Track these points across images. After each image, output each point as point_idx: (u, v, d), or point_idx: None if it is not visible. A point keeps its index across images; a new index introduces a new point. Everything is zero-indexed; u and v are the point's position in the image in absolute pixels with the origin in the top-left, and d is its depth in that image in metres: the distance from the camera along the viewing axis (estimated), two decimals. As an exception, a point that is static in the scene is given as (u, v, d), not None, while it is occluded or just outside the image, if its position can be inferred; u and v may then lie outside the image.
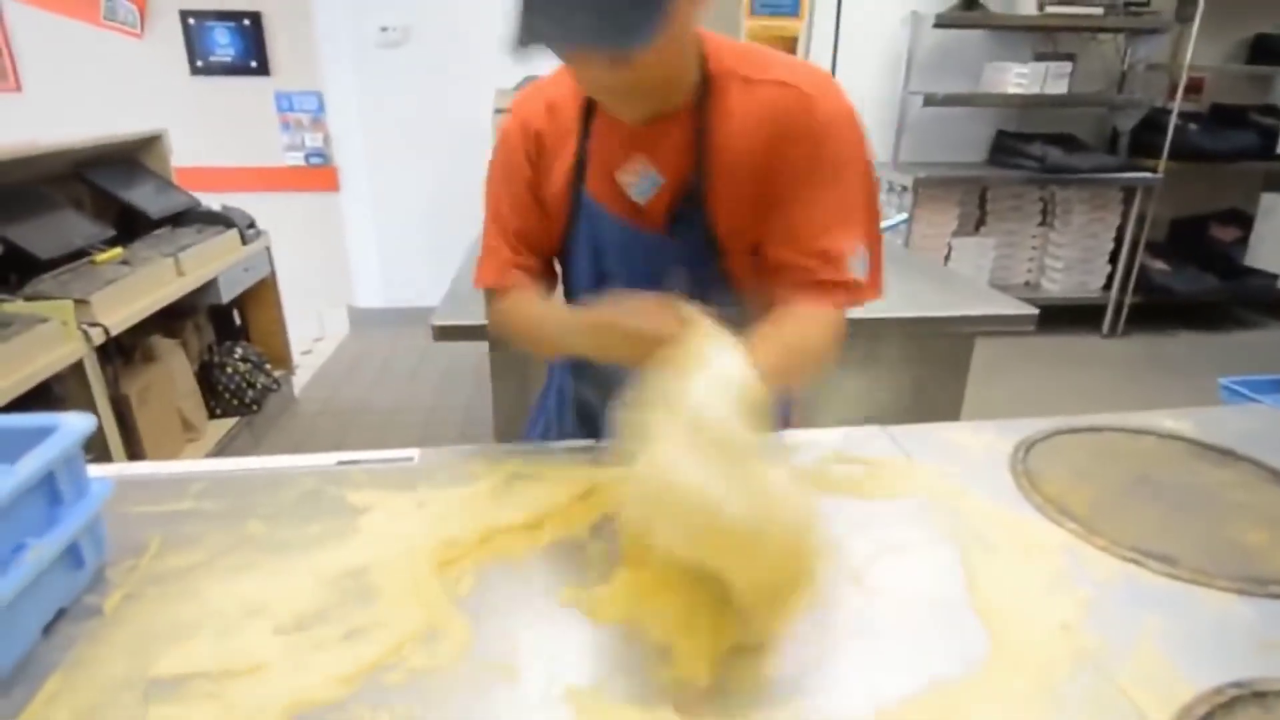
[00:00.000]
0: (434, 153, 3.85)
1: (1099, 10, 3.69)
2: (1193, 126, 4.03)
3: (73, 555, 0.70)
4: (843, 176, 0.79)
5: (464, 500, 0.86)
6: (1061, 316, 4.20)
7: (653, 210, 0.84)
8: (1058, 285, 4.16)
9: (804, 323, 0.78)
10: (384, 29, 3.52)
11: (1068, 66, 3.76)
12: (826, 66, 3.88)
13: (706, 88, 0.79)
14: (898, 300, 1.82)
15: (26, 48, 3.60)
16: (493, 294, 0.93)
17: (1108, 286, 4.17)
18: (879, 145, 4.13)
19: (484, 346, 1.66)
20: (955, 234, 4.02)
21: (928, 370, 1.78)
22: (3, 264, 1.97)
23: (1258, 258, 3.15)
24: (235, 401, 2.63)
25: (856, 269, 0.79)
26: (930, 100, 3.74)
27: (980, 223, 4.15)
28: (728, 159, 0.79)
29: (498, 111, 2.70)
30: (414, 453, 0.97)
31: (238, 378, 2.64)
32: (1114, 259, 4.15)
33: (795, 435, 1.01)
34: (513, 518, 0.81)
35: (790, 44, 1.39)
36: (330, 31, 3.59)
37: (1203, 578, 0.74)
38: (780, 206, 0.79)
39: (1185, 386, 3.53)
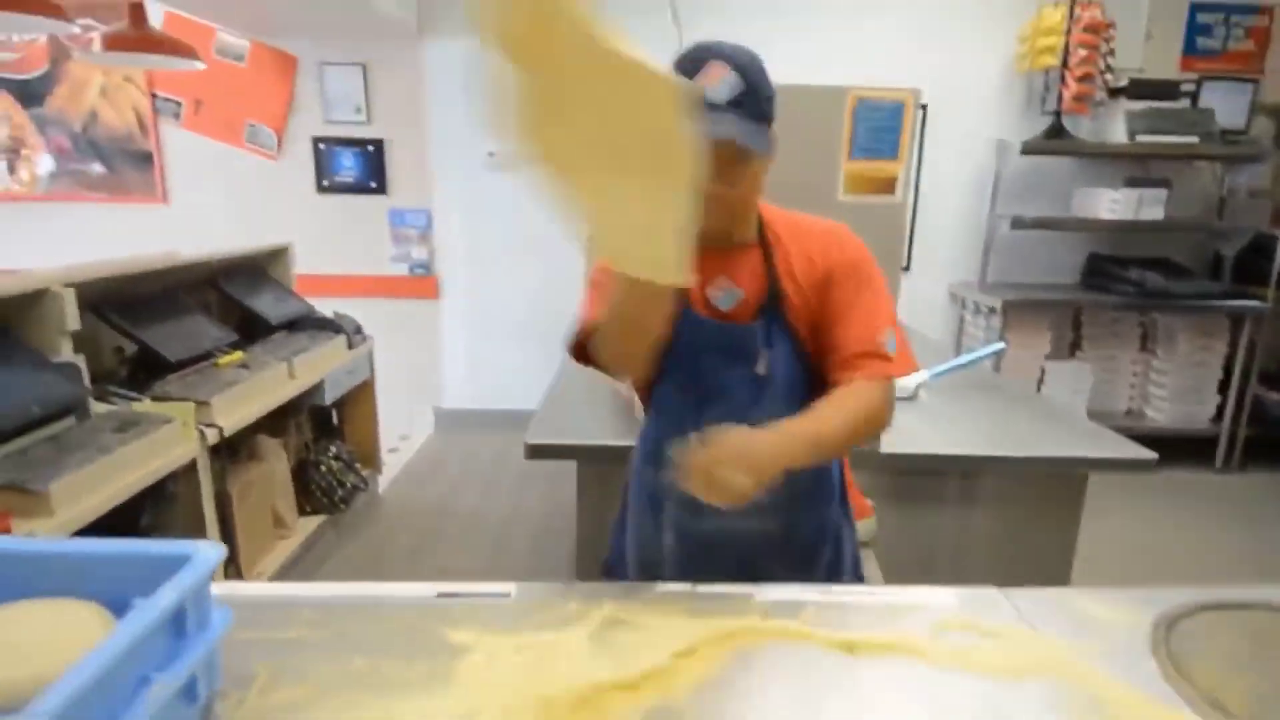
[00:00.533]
0: (529, 267, 4.06)
1: (1194, 139, 3.65)
2: (1304, 254, 3.84)
3: (189, 687, 0.72)
4: (868, 290, 1.06)
5: (561, 647, 0.84)
6: (1171, 448, 3.90)
7: (740, 313, 1.08)
8: (1164, 415, 3.93)
9: (854, 391, 1.01)
10: (491, 154, 3.81)
11: (1163, 193, 3.70)
12: (907, 191, 3.95)
13: (763, 233, 1.08)
14: (991, 433, 1.75)
15: (176, 166, 4.05)
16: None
17: (1218, 418, 3.91)
18: (965, 267, 4.11)
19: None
20: (1049, 358, 3.89)
21: (1035, 510, 1.68)
22: (136, 364, 2.15)
23: (1395, 396, 2.90)
24: (326, 500, 2.72)
25: (887, 345, 1.03)
26: (1018, 223, 3.72)
27: (1075, 347, 4.01)
28: (792, 280, 1.06)
29: (591, 231, 2.84)
30: (511, 588, 0.97)
31: (330, 476, 2.73)
32: (1224, 388, 3.90)
33: (903, 594, 0.96)
34: (612, 674, 0.79)
35: (889, 183, 1.42)
36: (442, 156, 3.91)
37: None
38: (839, 322, 1.05)
39: (1317, 531, 3.21)
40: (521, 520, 3.13)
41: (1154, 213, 3.68)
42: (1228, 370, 3.90)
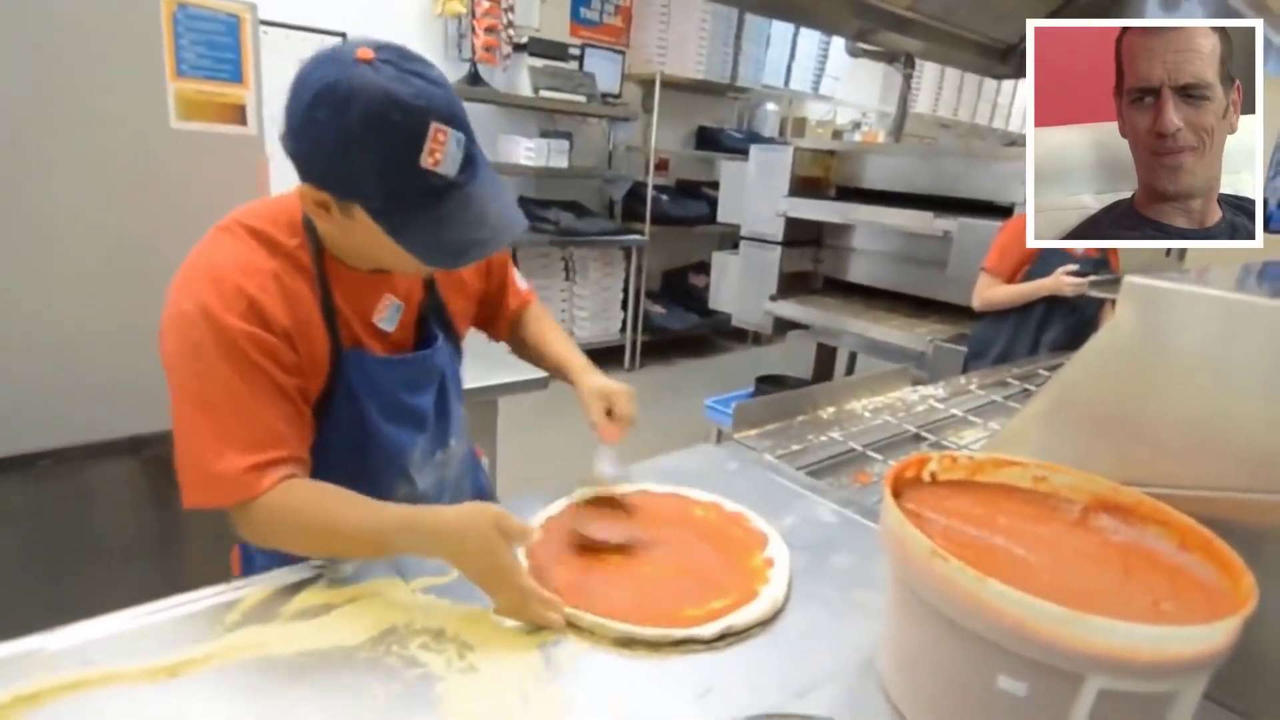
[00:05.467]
0: None
1: (583, 98, 4.31)
2: (664, 197, 4.98)
3: None
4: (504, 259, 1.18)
5: None
6: (593, 357, 4.74)
7: (402, 332, 0.99)
8: (586, 331, 4.71)
9: (541, 315, 1.25)
10: None
11: (565, 144, 4.30)
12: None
13: None
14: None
15: None
16: (233, 507, 0.81)
17: (624, 329, 4.87)
18: (410, 208, 4.15)
19: None
20: (493, 292, 4.25)
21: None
22: None
23: (718, 301, 4.01)
24: None
25: (523, 284, 1.23)
26: (452, 167, 3.89)
27: (515, 280, 4.47)
28: (452, 278, 1.05)
29: None
30: None
31: None
32: (625, 306, 4.87)
33: (258, 583, 0.86)
34: None
35: (236, 111, 1.24)
36: None
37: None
38: (503, 289, 1.18)
39: (686, 406, 4.29)
40: None
41: (560, 161, 4.26)
42: (626, 291, 4.86)
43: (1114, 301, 0.81)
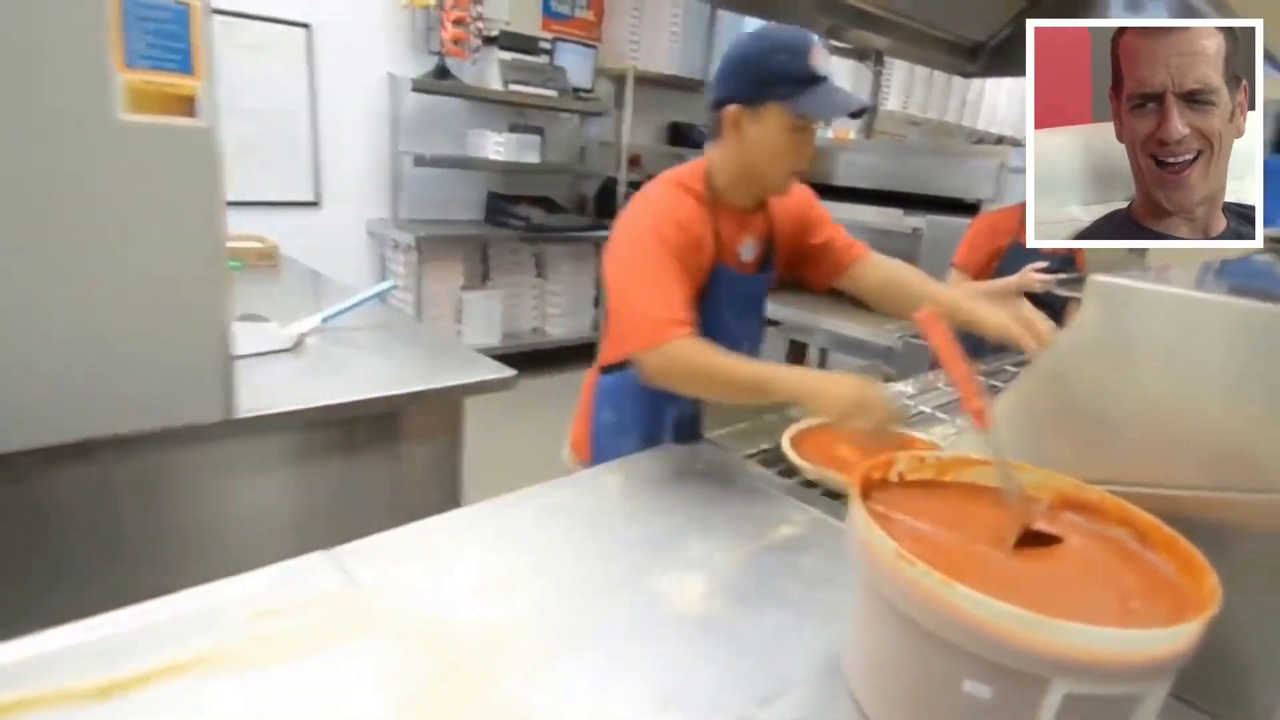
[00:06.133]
0: None
1: (554, 92, 4.26)
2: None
3: None
4: (823, 211, 1.49)
5: None
6: (566, 355, 4.73)
7: (752, 262, 1.38)
8: (558, 328, 4.67)
9: (884, 259, 1.54)
10: None
11: (537, 139, 4.25)
12: (304, 122, 3.70)
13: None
14: (372, 375, 1.73)
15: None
16: (656, 347, 1.13)
17: (596, 327, 4.84)
18: (378, 204, 4.08)
19: None
20: (464, 288, 4.19)
21: (421, 445, 1.73)
22: None
23: (690, 297, 4.04)
24: None
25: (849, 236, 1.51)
26: (420, 161, 3.83)
27: (485, 277, 4.41)
28: (780, 230, 1.42)
29: None
30: None
31: None
32: (597, 303, 4.84)
33: (206, 594, 0.82)
34: None
35: (187, 104, 1.20)
36: None
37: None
38: (821, 232, 1.47)
39: (660, 405, 4.29)
40: None
41: (531, 156, 4.21)
42: (598, 288, 4.83)
43: (1079, 300, 0.81)
